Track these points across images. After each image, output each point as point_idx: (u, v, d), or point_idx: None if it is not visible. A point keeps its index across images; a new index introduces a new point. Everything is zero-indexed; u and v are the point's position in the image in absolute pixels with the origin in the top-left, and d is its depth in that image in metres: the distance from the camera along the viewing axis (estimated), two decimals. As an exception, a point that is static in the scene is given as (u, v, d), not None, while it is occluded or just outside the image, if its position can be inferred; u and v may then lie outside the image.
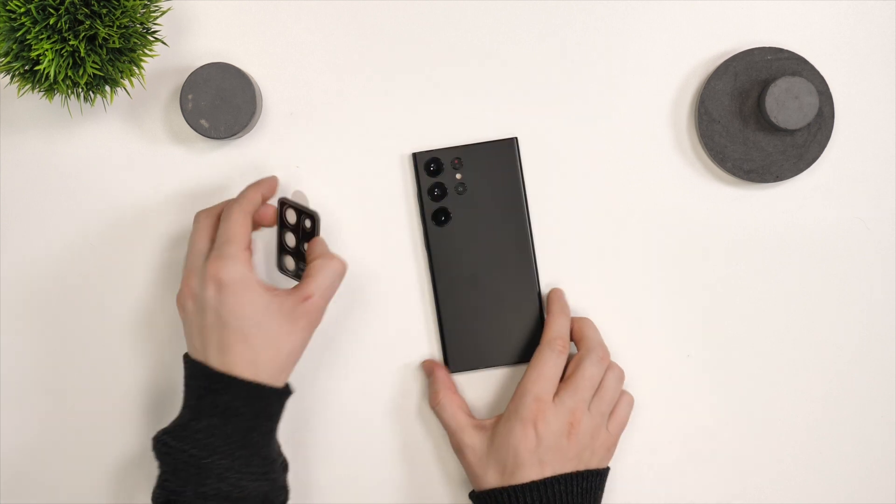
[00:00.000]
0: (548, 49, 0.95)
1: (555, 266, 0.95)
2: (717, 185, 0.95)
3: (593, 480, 0.88)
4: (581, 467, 0.87)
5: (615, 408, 0.91)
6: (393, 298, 0.95)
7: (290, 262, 0.93)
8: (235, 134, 0.91)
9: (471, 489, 0.93)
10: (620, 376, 0.91)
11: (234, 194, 0.95)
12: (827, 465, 0.95)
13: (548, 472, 0.86)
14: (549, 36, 0.95)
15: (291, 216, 0.92)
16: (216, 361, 0.84)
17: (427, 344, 0.95)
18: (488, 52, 0.95)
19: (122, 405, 0.95)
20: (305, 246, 0.91)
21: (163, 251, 0.95)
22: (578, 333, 0.92)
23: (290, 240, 0.92)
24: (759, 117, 0.93)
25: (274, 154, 0.95)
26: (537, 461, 0.86)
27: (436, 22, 0.95)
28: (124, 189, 0.95)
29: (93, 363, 0.95)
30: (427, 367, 0.94)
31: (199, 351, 0.85)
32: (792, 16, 0.95)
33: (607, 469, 0.90)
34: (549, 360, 0.89)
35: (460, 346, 0.94)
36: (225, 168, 0.95)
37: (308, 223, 0.90)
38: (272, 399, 0.84)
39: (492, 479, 0.87)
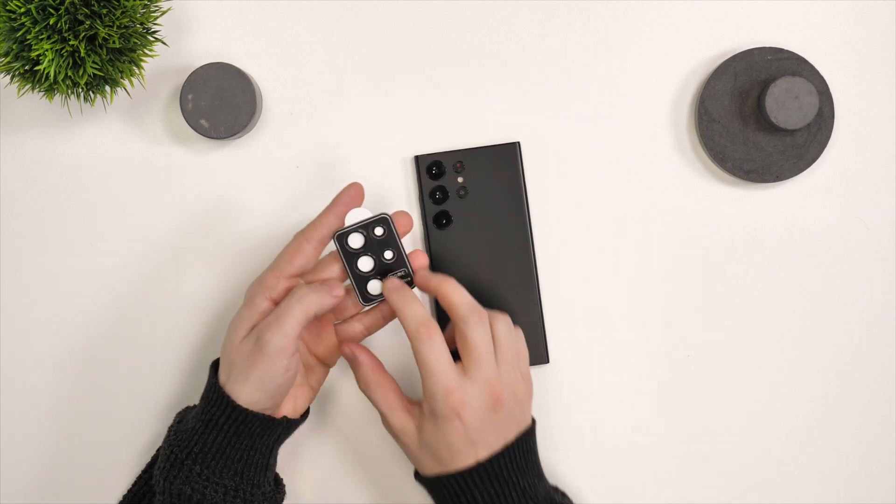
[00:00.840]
0: (548, 49, 0.95)
1: (555, 268, 0.95)
2: (717, 185, 0.95)
3: (525, 442, 0.85)
4: (513, 430, 0.84)
5: (517, 345, 0.86)
6: (393, 299, 0.95)
7: (376, 287, 0.86)
8: (235, 134, 0.91)
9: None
10: (506, 321, 0.85)
11: (233, 194, 0.95)
12: (827, 465, 0.95)
13: (483, 453, 0.83)
14: (549, 36, 0.95)
15: (357, 240, 0.85)
16: (224, 379, 0.84)
17: (427, 344, 0.95)
18: (488, 52, 0.95)
19: (121, 405, 0.95)
20: (388, 254, 0.85)
21: (163, 251, 0.95)
22: (444, 301, 0.84)
23: (367, 263, 0.86)
24: (759, 117, 0.93)
25: (274, 154, 0.95)
26: (471, 445, 0.83)
27: (436, 22, 0.95)
28: (124, 189, 0.95)
29: (92, 363, 0.95)
30: (348, 354, 0.88)
31: (221, 363, 0.86)
32: (792, 16, 0.95)
33: (534, 423, 0.87)
34: (429, 351, 0.82)
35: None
36: (225, 168, 0.95)
37: (380, 231, 0.85)
38: (252, 421, 0.83)
39: (430, 467, 0.84)
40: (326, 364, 0.89)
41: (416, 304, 0.84)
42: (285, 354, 0.81)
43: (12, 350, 0.95)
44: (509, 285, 0.94)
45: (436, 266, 0.94)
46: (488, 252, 0.94)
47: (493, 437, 0.83)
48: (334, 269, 0.87)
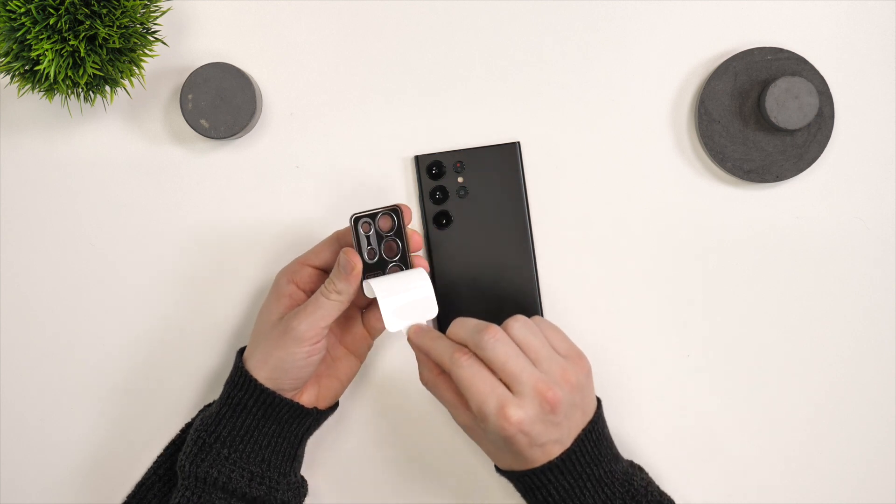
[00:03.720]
0: (548, 49, 0.95)
1: (555, 268, 0.95)
2: (717, 185, 0.95)
3: (593, 431, 0.82)
4: (578, 420, 0.81)
5: (545, 334, 0.82)
6: (393, 299, 0.95)
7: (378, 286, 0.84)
8: (235, 134, 0.91)
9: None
10: (520, 322, 0.81)
11: (233, 194, 0.95)
12: (827, 465, 0.95)
13: (553, 450, 0.80)
14: (549, 36, 0.95)
15: (368, 229, 0.85)
16: (248, 357, 0.86)
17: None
18: (489, 52, 0.95)
19: (119, 404, 0.95)
20: (392, 249, 0.85)
21: (163, 250, 0.95)
22: (456, 340, 0.82)
23: (374, 256, 0.85)
24: (759, 117, 0.93)
25: (274, 154, 0.95)
26: (539, 448, 0.79)
27: (436, 22, 0.95)
28: (124, 189, 0.95)
29: (92, 363, 0.95)
30: (413, 341, 0.84)
31: (249, 343, 0.88)
32: (792, 16, 0.95)
33: (599, 404, 0.83)
34: (469, 374, 0.79)
35: (460, 349, 0.94)
36: (225, 168, 0.95)
37: (389, 223, 0.85)
38: (282, 407, 0.85)
39: (503, 462, 0.82)
40: (356, 355, 0.90)
41: (441, 340, 0.82)
42: (310, 341, 0.83)
43: (12, 349, 0.95)
44: (509, 285, 0.94)
45: (436, 266, 0.94)
46: (488, 252, 0.94)
47: (560, 433, 0.80)
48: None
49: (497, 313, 0.94)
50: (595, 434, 0.82)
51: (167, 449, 0.91)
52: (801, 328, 0.95)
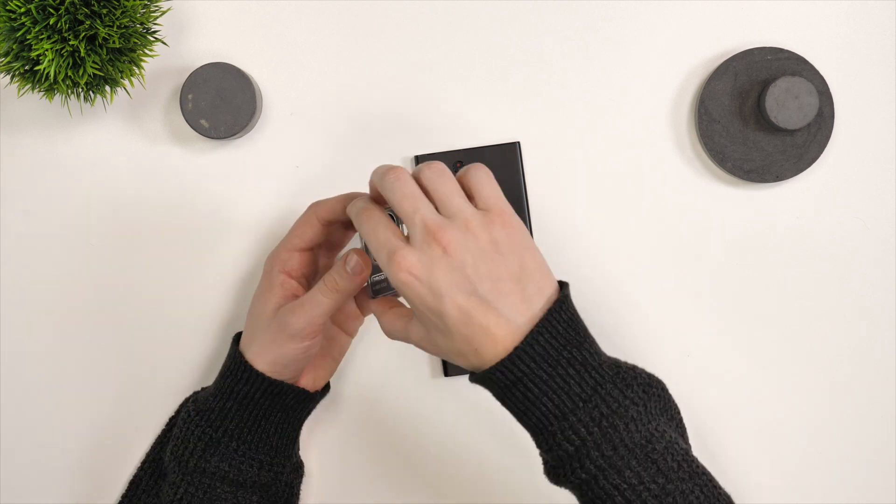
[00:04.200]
0: (548, 49, 0.95)
1: (555, 268, 0.95)
2: (717, 185, 0.95)
3: (564, 308, 0.73)
4: (514, 290, 0.72)
5: (471, 188, 0.74)
6: (393, 299, 0.95)
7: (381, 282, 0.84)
8: (235, 134, 0.91)
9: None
10: (436, 169, 0.73)
11: (233, 194, 0.95)
12: (827, 465, 0.95)
13: (493, 324, 0.71)
14: (549, 36, 0.95)
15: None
16: (245, 348, 0.85)
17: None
18: (488, 51, 0.95)
19: (117, 404, 0.95)
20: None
21: (162, 251, 0.95)
22: (372, 191, 0.77)
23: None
24: (759, 117, 0.93)
25: (274, 154, 0.95)
26: (459, 312, 0.71)
27: (436, 22, 0.95)
28: (124, 189, 0.95)
29: (91, 363, 0.95)
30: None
31: (244, 333, 0.87)
32: (792, 16, 0.95)
33: (562, 288, 0.74)
34: (373, 226, 0.73)
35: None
36: (225, 168, 0.95)
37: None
38: (288, 394, 0.85)
39: (462, 357, 0.73)
40: (348, 333, 0.90)
41: (361, 197, 0.78)
42: (309, 337, 0.83)
43: (12, 350, 0.95)
44: (509, 285, 0.94)
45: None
46: (488, 252, 0.94)
47: (470, 287, 0.71)
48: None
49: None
50: (566, 314, 0.73)
51: (155, 445, 0.91)
52: (800, 328, 0.95)
